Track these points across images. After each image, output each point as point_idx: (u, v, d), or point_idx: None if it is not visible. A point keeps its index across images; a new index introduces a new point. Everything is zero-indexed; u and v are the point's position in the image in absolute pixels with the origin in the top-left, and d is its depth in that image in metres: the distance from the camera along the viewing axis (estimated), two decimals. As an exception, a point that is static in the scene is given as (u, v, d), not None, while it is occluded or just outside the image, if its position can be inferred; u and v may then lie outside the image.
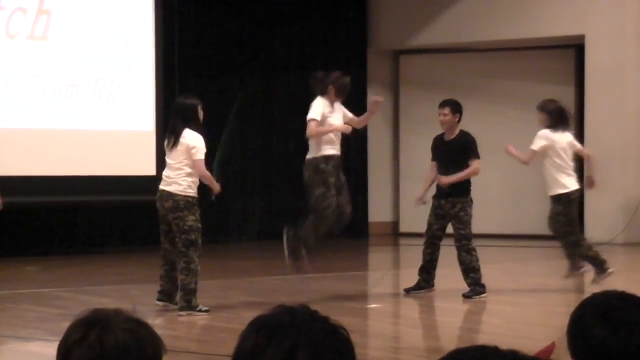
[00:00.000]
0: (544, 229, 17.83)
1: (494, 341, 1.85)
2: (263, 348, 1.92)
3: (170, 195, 9.19)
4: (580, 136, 17.76)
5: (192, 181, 9.24)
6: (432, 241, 10.53)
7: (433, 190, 10.68)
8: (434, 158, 10.75)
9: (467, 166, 10.47)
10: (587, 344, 2.66)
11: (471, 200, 10.46)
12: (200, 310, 9.07)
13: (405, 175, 18.83)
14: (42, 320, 9.23)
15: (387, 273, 12.72)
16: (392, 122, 19.21)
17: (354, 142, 15.37)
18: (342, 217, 9.92)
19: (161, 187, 9.33)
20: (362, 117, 10.52)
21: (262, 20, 17.34)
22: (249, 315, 2.06)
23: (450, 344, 7.54)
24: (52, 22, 14.40)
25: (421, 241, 10.70)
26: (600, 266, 10.73)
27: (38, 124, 14.08)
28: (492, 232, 17.13)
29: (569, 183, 10.89)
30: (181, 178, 9.20)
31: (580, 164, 11.38)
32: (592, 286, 10.32)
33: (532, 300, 10.87)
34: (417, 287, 10.57)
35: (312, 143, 9.92)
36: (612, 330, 2.64)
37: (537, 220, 18.13)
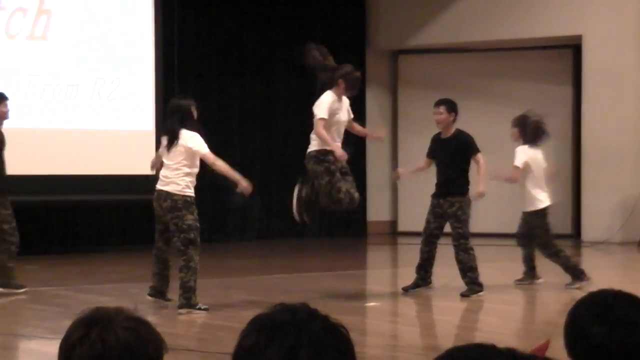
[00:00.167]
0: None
1: (491, 339, 1.86)
2: (264, 347, 1.92)
3: (168, 195, 9.20)
4: (577, 136, 17.80)
5: (189, 181, 9.26)
6: (429, 239, 10.54)
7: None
8: (430, 156, 10.77)
9: (465, 163, 10.49)
10: (584, 342, 2.67)
11: (469, 200, 10.47)
12: (199, 309, 9.09)
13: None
14: (43, 318, 9.24)
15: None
16: (390, 121, 19.22)
17: (353, 141, 15.35)
18: (351, 202, 9.90)
19: (159, 187, 9.34)
20: (361, 130, 10.54)
21: (261, 21, 17.34)
22: (249, 313, 2.07)
23: (447, 342, 7.55)
24: (52, 22, 14.40)
25: (419, 240, 10.71)
26: (579, 276, 10.86)
27: (38, 123, 14.08)
28: (491, 231, 17.14)
29: (545, 198, 11.11)
30: (179, 178, 9.22)
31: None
32: (589, 285, 10.32)
33: (529, 298, 10.88)
34: (415, 286, 10.59)
35: (314, 137, 9.89)
36: (609, 328, 2.65)
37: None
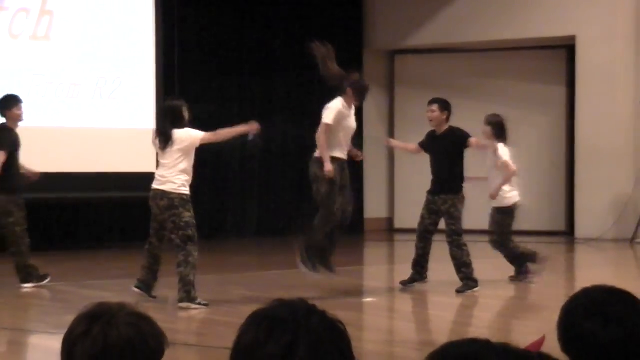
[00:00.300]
0: (535, 224, 17.95)
1: (485, 335, 1.86)
2: (263, 342, 1.92)
3: (165, 194, 9.23)
4: (571, 135, 17.81)
5: (185, 180, 9.29)
6: (424, 235, 10.58)
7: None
8: (422, 146, 10.84)
9: (459, 158, 10.53)
10: (577, 337, 2.67)
11: (463, 197, 10.50)
12: (199, 303, 9.09)
13: (400, 172, 18.85)
14: (46, 313, 9.25)
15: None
16: (387, 120, 19.23)
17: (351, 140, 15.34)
18: (344, 216, 9.89)
19: (155, 186, 9.36)
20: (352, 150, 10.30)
21: (261, 21, 17.33)
22: (248, 309, 2.07)
23: (443, 338, 7.55)
24: (54, 22, 14.39)
25: (415, 237, 10.73)
26: (524, 272, 11.09)
27: (41, 122, 14.06)
28: (485, 227, 17.10)
29: (516, 195, 11.24)
30: (175, 177, 9.25)
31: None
32: (582, 281, 10.33)
33: (523, 294, 10.88)
34: (412, 281, 10.62)
35: (324, 147, 9.79)
36: (601, 324, 2.65)
37: (529, 217, 18.16)
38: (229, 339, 2.04)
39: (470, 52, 18.35)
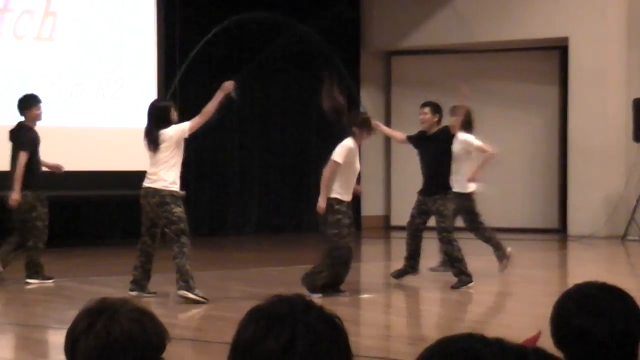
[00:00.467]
0: (529, 222, 17.97)
1: (480, 330, 1.86)
2: (263, 338, 1.92)
3: (156, 191, 9.26)
4: (563, 134, 17.82)
5: (175, 176, 9.32)
6: (415, 234, 10.74)
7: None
8: (410, 140, 10.91)
9: (448, 156, 10.58)
10: (570, 332, 2.67)
11: (451, 195, 10.57)
12: (197, 294, 9.09)
13: (397, 171, 18.85)
14: (50, 309, 9.25)
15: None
16: (384, 120, 19.20)
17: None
18: (350, 256, 9.82)
19: (146, 184, 9.39)
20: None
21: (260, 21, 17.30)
22: (247, 304, 2.07)
23: (438, 333, 7.56)
24: (58, 23, 14.39)
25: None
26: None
27: (44, 121, 14.01)
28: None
29: (474, 183, 11.53)
30: (166, 174, 9.29)
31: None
32: (575, 278, 10.33)
33: (517, 290, 10.89)
34: (404, 273, 10.76)
35: (326, 185, 9.68)
36: (593, 319, 2.66)
37: (522, 214, 18.17)
38: (228, 334, 2.04)
39: (465, 53, 18.35)
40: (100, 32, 14.72)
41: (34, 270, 10.57)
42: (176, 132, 9.30)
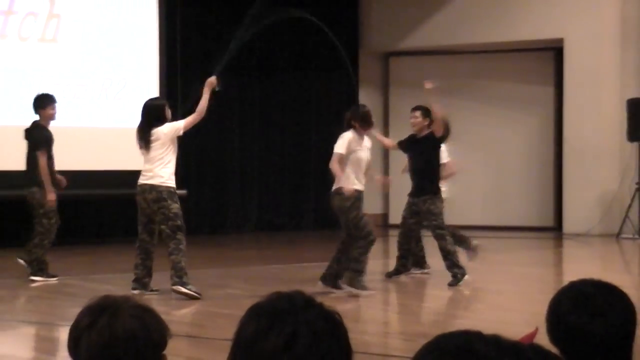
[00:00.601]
0: (524, 220, 17.96)
1: (477, 326, 1.86)
2: (264, 334, 1.92)
3: (152, 187, 9.25)
4: (559, 134, 17.82)
5: (171, 173, 9.32)
6: (407, 234, 10.90)
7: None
8: (400, 145, 11.00)
9: (436, 158, 10.60)
10: (565, 329, 2.67)
11: (441, 196, 10.63)
12: (190, 289, 9.10)
13: (395, 170, 18.83)
14: (53, 306, 9.24)
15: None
16: (382, 120, 19.20)
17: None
18: (374, 234, 9.90)
19: (142, 181, 9.37)
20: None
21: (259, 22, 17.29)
22: (248, 302, 2.07)
23: (436, 329, 7.56)
24: (61, 25, 14.39)
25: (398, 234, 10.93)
26: (422, 264, 11.32)
27: (48, 121, 14.05)
28: (477, 223, 17.17)
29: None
30: (161, 170, 9.29)
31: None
32: (570, 275, 10.33)
33: (514, 288, 10.89)
34: (396, 272, 10.91)
35: (338, 175, 9.71)
36: (588, 316, 2.65)
37: (519, 213, 18.18)
38: (229, 330, 2.04)
39: (462, 54, 18.36)
40: (103, 33, 14.73)
41: (39, 268, 10.58)
42: (170, 129, 9.31)
